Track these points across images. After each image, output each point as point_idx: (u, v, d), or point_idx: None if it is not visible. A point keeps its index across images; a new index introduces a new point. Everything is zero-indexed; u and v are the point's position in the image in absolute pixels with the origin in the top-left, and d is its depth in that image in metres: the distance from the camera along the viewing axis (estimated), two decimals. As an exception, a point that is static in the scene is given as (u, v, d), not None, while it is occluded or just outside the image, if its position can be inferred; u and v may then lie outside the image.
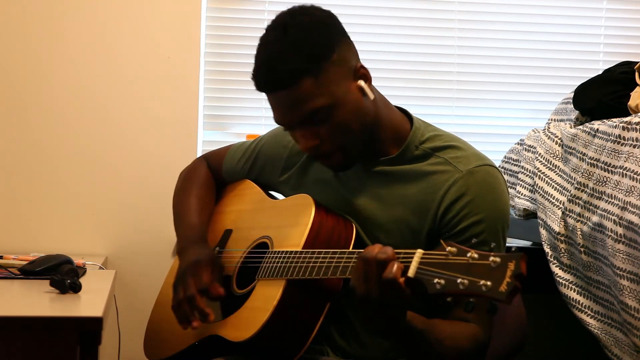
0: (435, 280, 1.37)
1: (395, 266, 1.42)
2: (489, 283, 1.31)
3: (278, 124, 1.75)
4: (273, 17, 1.75)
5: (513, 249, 1.34)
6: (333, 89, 1.67)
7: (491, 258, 1.33)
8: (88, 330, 1.77)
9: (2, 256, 2.51)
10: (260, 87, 1.71)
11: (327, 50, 1.67)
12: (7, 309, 1.88)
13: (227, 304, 1.80)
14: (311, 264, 1.64)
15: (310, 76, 1.65)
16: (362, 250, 1.52)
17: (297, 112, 1.69)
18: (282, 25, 1.69)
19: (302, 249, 1.69)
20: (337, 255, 1.61)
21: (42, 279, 2.16)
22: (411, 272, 1.41)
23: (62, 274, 2.06)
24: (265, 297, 1.69)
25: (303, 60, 1.65)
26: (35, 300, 2.00)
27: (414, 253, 1.43)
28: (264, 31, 1.72)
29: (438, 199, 1.71)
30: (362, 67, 1.72)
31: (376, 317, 1.48)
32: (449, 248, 1.38)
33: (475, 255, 1.35)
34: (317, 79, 1.66)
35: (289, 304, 1.66)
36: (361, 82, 1.71)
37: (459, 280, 1.34)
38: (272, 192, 2.01)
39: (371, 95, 1.71)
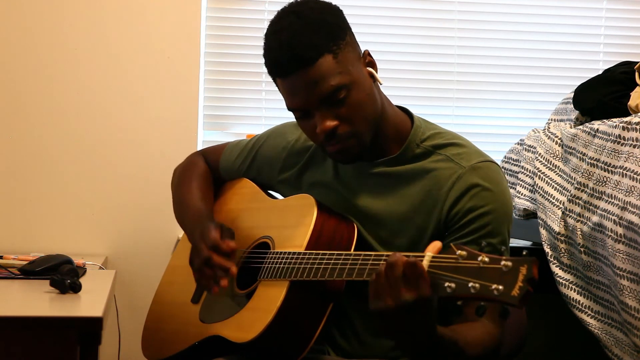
0: (446, 284, 1.36)
1: (411, 259, 1.40)
2: (500, 287, 1.31)
3: (294, 109, 1.72)
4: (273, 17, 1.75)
5: (525, 253, 1.33)
6: (350, 69, 1.69)
7: (502, 262, 1.32)
8: (88, 330, 1.78)
9: (2, 256, 2.51)
10: (279, 69, 1.70)
11: (341, 30, 1.70)
12: (7, 309, 1.88)
13: (229, 304, 1.80)
14: (315, 266, 1.64)
15: (330, 53, 1.67)
16: (367, 253, 1.52)
17: (317, 91, 1.67)
18: (293, 12, 1.70)
19: (305, 249, 1.69)
20: (341, 258, 1.61)
21: (42, 279, 2.16)
22: None
23: (62, 274, 2.06)
24: (268, 298, 1.69)
25: (322, 37, 1.66)
26: (35, 300, 2.00)
27: (423, 256, 1.41)
28: (272, 23, 1.72)
29: (443, 195, 1.71)
30: (369, 54, 1.75)
31: (409, 329, 1.43)
32: (459, 252, 1.37)
33: (487, 259, 1.34)
34: (336, 57, 1.67)
35: (292, 305, 1.66)
36: (370, 69, 1.73)
37: (470, 284, 1.33)
38: (270, 192, 2.01)
39: (380, 81, 1.74)
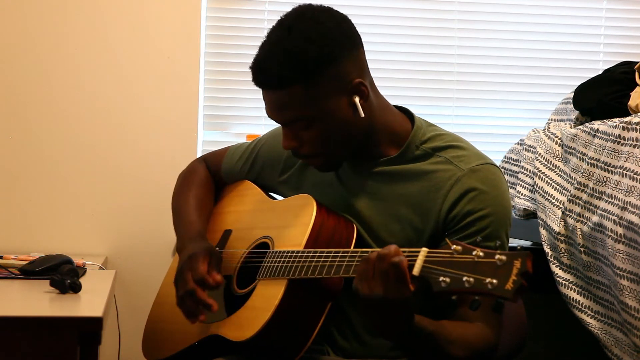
0: (441, 279, 1.37)
1: (398, 259, 1.42)
2: (494, 281, 1.32)
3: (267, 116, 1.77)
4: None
5: (519, 248, 1.34)
6: (321, 102, 1.68)
7: (497, 256, 1.33)
8: (88, 330, 1.78)
9: (2, 256, 2.51)
10: (253, 80, 1.73)
11: (323, 64, 1.66)
12: (7, 309, 1.88)
13: (228, 304, 1.80)
14: (313, 264, 1.64)
15: (300, 86, 1.66)
16: (365, 250, 1.52)
17: (280, 115, 1.72)
18: (289, 27, 1.68)
19: (304, 248, 1.69)
20: (339, 255, 1.61)
21: (42, 279, 2.16)
22: (416, 270, 1.41)
23: (62, 274, 2.06)
24: (267, 297, 1.69)
25: (296, 70, 1.65)
26: (35, 300, 2.00)
27: (418, 251, 1.43)
28: (273, 27, 1.72)
29: (441, 197, 1.71)
30: (362, 83, 1.70)
31: (382, 318, 1.48)
32: (454, 246, 1.38)
33: (481, 254, 1.35)
34: (307, 90, 1.67)
35: (291, 303, 1.66)
36: (355, 99, 1.70)
37: (464, 279, 1.34)
38: (271, 193, 2.01)
39: (362, 114, 1.70)
